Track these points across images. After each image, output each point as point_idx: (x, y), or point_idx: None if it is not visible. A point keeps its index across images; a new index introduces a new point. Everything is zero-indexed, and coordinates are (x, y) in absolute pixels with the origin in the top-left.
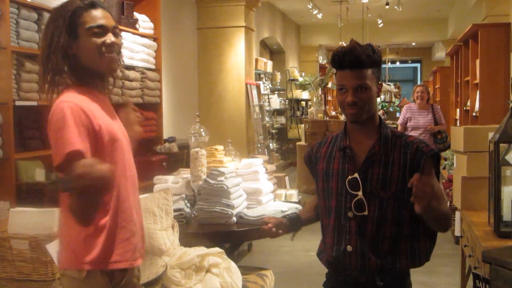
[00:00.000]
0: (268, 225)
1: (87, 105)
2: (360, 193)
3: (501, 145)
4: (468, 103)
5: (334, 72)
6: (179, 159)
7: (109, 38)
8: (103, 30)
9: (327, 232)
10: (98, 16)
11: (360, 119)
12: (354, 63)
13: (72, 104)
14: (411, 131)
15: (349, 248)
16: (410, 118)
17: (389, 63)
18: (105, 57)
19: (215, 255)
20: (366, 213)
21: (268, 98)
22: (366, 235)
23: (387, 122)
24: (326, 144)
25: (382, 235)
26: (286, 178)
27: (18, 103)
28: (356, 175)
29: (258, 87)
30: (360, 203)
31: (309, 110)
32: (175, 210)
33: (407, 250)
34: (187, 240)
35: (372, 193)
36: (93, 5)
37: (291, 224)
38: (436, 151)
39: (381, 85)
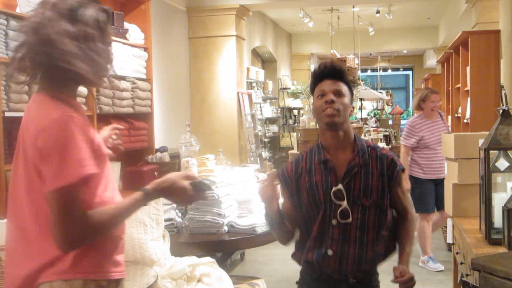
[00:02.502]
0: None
1: (83, 119)
2: (344, 202)
3: (491, 151)
4: (459, 110)
5: (310, 92)
6: (170, 168)
7: (113, 53)
8: (111, 46)
9: (308, 238)
10: (111, 31)
11: (336, 120)
12: (334, 73)
13: (76, 119)
14: (429, 148)
15: (329, 252)
16: (424, 136)
17: (381, 71)
18: (107, 72)
19: (206, 265)
20: (350, 220)
21: (260, 107)
22: (350, 240)
23: (379, 129)
24: (303, 160)
25: (365, 239)
26: (278, 186)
27: (7, 114)
28: (340, 186)
29: (250, 96)
30: (344, 212)
31: (301, 118)
32: (166, 220)
33: (382, 250)
34: (178, 249)
35: (355, 201)
36: (111, 17)
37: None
38: (403, 167)
39: (353, 108)
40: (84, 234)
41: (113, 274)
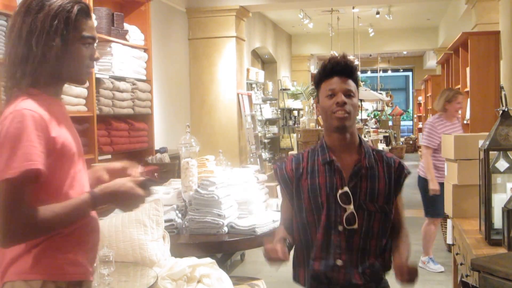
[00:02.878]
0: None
1: (49, 118)
2: (351, 206)
3: (491, 152)
4: (459, 111)
5: (315, 90)
6: (170, 169)
7: (96, 52)
8: (93, 41)
9: (313, 247)
10: (92, 26)
11: (348, 123)
12: (344, 70)
13: (36, 114)
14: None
15: (339, 262)
16: None
17: (381, 72)
18: (86, 69)
19: (206, 266)
20: (356, 226)
21: (260, 108)
22: (353, 249)
23: (379, 130)
24: (304, 160)
25: (368, 247)
26: (278, 187)
27: None
28: (346, 188)
29: (249, 97)
30: (350, 217)
31: (301, 119)
32: (166, 221)
33: (384, 257)
34: (178, 250)
35: (361, 206)
36: (89, 12)
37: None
38: (410, 171)
39: (359, 106)
40: (25, 229)
41: (73, 275)
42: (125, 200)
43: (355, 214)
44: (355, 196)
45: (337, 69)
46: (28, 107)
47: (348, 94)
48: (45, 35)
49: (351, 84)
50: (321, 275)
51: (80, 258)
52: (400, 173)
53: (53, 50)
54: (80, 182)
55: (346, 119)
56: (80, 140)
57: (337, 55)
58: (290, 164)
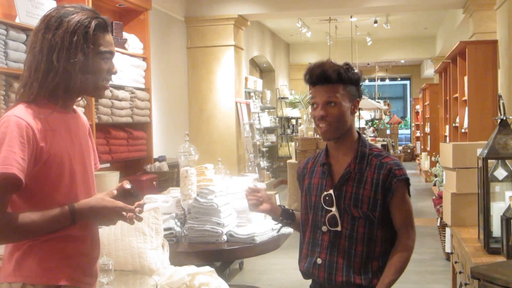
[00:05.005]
0: (257, 194)
1: (41, 128)
2: (333, 209)
3: (489, 161)
4: (457, 120)
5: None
6: (169, 178)
7: (114, 66)
8: (111, 56)
9: (303, 244)
10: (110, 41)
11: (331, 136)
12: (321, 78)
13: (23, 122)
14: None
15: (319, 260)
16: None
17: (379, 81)
18: (103, 83)
19: (206, 274)
20: (339, 228)
21: (258, 117)
22: (338, 250)
23: (377, 139)
24: (312, 160)
25: (353, 251)
26: (277, 196)
27: None
28: (331, 191)
29: (248, 106)
30: (333, 219)
31: (299, 128)
32: (165, 229)
33: (377, 267)
34: (177, 259)
35: (345, 210)
36: (106, 27)
37: (283, 213)
38: (407, 176)
39: (358, 102)
40: (1, 232)
41: (51, 280)
42: (107, 212)
43: (337, 216)
44: (339, 200)
45: (314, 80)
46: (18, 114)
47: (329, 102)
48: (65, 51)
49: (333, 90)
50: (307, 271)
51: (61, 264)
52: (391, 180)
53: (73, 65)
54: (71, 197)
55: (327, 132)
56: (91, 154)
57: (313, 63)
58: (303, 163)
